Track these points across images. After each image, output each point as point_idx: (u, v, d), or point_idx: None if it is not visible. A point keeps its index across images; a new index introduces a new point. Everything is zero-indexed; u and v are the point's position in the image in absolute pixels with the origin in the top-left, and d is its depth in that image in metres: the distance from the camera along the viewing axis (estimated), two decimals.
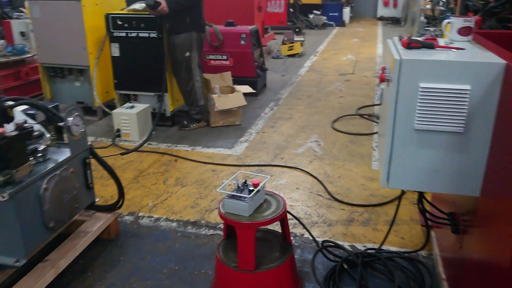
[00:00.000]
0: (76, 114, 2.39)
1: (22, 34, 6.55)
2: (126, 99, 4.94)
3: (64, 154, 2.41)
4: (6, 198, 1.97)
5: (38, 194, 2.17)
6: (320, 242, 2.69)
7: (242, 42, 5.89)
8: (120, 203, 2.83)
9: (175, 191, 3.50)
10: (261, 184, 2.22)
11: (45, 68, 5.16)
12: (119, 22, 4.64)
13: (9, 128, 2.10)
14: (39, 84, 5.36)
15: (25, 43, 6.33)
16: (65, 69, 5.12)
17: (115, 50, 4.75)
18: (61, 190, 2.31)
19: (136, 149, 4.09)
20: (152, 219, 3.13)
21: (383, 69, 1.99)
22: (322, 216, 3.12)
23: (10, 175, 2.03)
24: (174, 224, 3.05)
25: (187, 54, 4.52)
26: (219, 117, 4.85)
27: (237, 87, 5.05)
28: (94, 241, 2.69)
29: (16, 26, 6.55)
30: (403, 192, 2.90)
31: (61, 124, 2.38)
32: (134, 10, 4.67)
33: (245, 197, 2.14)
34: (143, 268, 2.61)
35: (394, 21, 14.52)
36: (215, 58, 5.99)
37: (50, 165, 2.27)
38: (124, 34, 4.67)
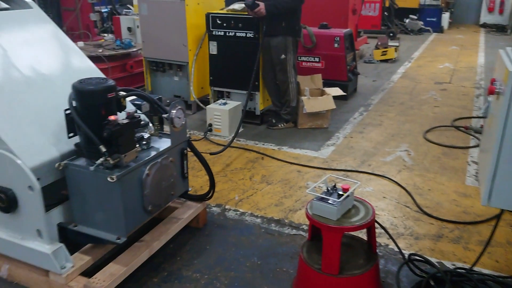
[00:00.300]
0: (179, 107, 2.54)
1: (129, 29, 7.08)
2: (219, 95, 5.14)
3: (165, 143, 2.58)
4: (114, 180, 2.15)
5: (141, 179, 2.35)
6: (406, 255, 2.61)
7: (336, 45, 5.85)
8: (210, 194, 2.96)
9: (261, 188, 3.59)
10: (351, 190, 2.21)
11: (148, 62, 5.53)
12: (219, 22, 4.84)
13: (121, 116, 2.30)
14: (142, 77, 5.76)
15: (131, 38, 6.83)
16: (165, 64, 5.45)
17: (213, 48, 4.97)
18: (160, 177, 2.47)
19: (223, 150, 4.17)
20: (238, 213, 3.23)
21: (493, 80, 1.88)
22: (409, 229, 3.02)
23: (119, 159, 2.22)
24: (259, 220, 3.14)
25: (283, 56, 4.60)
26: (307, 119, 4.87)
27: (327, 90, 5.03)
28: (184, 228, 2.85)
29: (124, 22, 7.10)
30: (501, 212, 2.72)
31: (164, 115, 2.55)
32: (233, 10, 4.84)
33: (334, 201, 2.14)
34: (227, 259, 2.71)
35: (499, 29, 13.49)
36: (307, 60, 6.01)
37: (153, 153, 2.44)
38: (222, 33, 4.86)
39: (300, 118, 4.87)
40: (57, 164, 2.28)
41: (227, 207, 3.31)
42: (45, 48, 2.82)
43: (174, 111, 2.51)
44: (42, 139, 2.35)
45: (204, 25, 5.16)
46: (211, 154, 4.12)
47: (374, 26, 10.62)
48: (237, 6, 4.85)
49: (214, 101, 5.06)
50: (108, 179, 2.15)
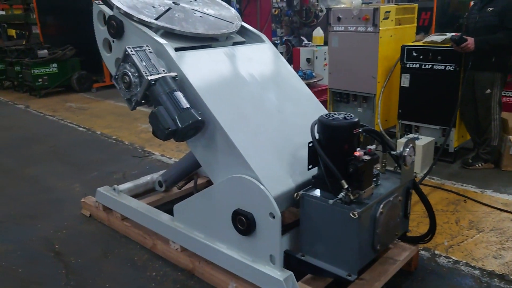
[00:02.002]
0: (411, 145, 2.46)
1: (308, 60, 7.31)
2: (407, 129, 4.94)
3: (393, 181, 2.50)
4: (356, 216, 2.14)
5: (375, 217, 2.30)
6: None
7: None
8: (429, 238, 2.78)
9: (471, 235, 3.28)
10: None
11: (332, 93, 5.60)
12: (414, 54, 4.68)
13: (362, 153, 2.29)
14: (325, 106, 5.84)
15: (309, 68, 7.03)
16: (350, 95, 5.45)
17: (405, 81, 4.81)
18: (390, 216, 2.39)
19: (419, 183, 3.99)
20: (451, 260, 2.98)
21: None
22: None
23: (358, 195, 2.20)
24: (477, 272, 2.84)
25: (488, 91, 4.24)
26: None
27: None
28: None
29: (304, 53, 7.35)
30: None
31: (395, 153, 2.48)
32: (432, 42, 4.63)
33: None
34: None
35: None
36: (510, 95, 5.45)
37: (385, 191, 2.38)
38: (417, 66, 4.68)
39: (505, 159, 4.40)
40: (295, 194, 2.36)
41: (436, 252, 3.08)
42: (278, 80, 3.00)
43: (407, 149, 2.43)
44: (280, 169, 2.46)
45: (394, 57, 5.07)
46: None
47: None
48: (436, 38, 4.63)
49: (400, 135, 4.88)
50: (350, 214, 2.14)
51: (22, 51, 9.30)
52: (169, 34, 2.82)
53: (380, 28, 4.91)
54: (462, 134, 4.76)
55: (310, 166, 2.37)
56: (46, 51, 8.81)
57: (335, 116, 2.27)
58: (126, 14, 2.81)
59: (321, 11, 6.11)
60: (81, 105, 8.18)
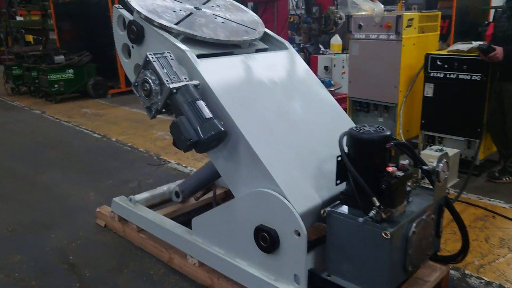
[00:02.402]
0: (445, 160, 2.32)
1: (326, 68, 7.19)
2: (430, 140, 4.79)
3: (425, 198, 2.36)
4: (388, 237, 2.00)
5: (407, 236, 2.16)
6: None
7: None
8: (461, 257, 2.63)
9: (503, 254, 3.11)
10: None
11: (352, 102, 5.47)
12: (439, 63, 4.53)
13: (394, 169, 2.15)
14: None
15: (327, 76, 6.91)
16: (371, 104, 5.31)
17: (429, 90, 4.66)
18: (423, 235, 2.26)
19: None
20: (482, 281, 2.82)
21: None
22: None
23: (390, 213, 2.07)
24: None
25: None
26: None
27: None
28: None
29: (322, 61, 7.24)
30: None
31: (427, 168, 2.35)
32: (457, 51, 4.48)
33: None
34: None
35: None
36: None
37: (418, 208, 2.24)
38: (442, 75, 4.54)
39: None
40: (322, 211, 2.23)
41: (466, 272, 2.93)
42: (302, 89, 2.89)
43: (441, 165, 2.29)
44: (306, 183, 2.35)
45: (417, 65, 4.93)
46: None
47: None
48: (462, 46, 4.48)
49: (423, 146, 4.73)
50: (383, 234, 2.01)
51: (39, 57, 9.33)
52: (189, 40, 2.72)
53: (403, 36, 4.77)
54: (488, 146, 4.59)
55: (338, 182, 2.25)
56: (62, 56, 8.83)
57: (366, 129, 2.15)
58: (147, 19, 2.72)
59: (340, 18, 6.00)
60: (97, 111, 8.15)
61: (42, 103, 9.03)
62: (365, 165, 2.11)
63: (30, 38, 14.81)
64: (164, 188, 3.65)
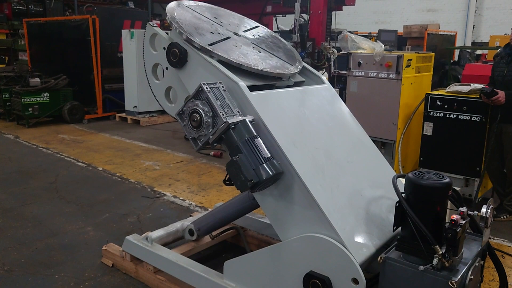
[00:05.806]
0: (491, 206, 2.35)
1: None
2: None
3: (472, 243, 2.37)
4: (454, 286, 1.98)
5: (464, 284, 2.14)
6: None
7: None
8: None
9: None
10: None
11: None
12: (439, 103, 4.69)
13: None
14: None
15: None
16: None
17: (428, 129, 4.79)
18: (475, 281, 2.25)
19: None
20: None
21: None
22: None
23: (452, 261, 2.05)
24: None
25: None
26: None
27: None
28: None
29: None
30: None
31: (473, 213, 2.36)
32: (457, 92, 4.65)
33: None
34: None
35: None
36: None
37: (470, 255, 2.24)
38: (441, 115, 4.69)
39: None
40: (379, 258, 2.19)
41: None
42: (342, 126, 2.88)
43: (489, 210, 2.31)
44: (359, 229, 2.29)
45: (413, 104, 5.08)
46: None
47: None
48: (461, 88, 4.66)
49: None
50: (449, 283, 1.99)
51: (12, 78, 8.91)
52: (230, 67, 2.58)
53: (403, 76, 4.91)
54: (484, 185, 4.74)
55: (395, 227, 2.22)
56: (38, 79, 8.46)
57: (426, 175, 2.15)
58: (188, 40, 2.61)
59: (333, 54, 6.12)
60: (75, 137, 7.82)
61: (14, 127, 8.58)
62: (425, 212, 2.10)
63: None
64: (177, 225, 3.50)
